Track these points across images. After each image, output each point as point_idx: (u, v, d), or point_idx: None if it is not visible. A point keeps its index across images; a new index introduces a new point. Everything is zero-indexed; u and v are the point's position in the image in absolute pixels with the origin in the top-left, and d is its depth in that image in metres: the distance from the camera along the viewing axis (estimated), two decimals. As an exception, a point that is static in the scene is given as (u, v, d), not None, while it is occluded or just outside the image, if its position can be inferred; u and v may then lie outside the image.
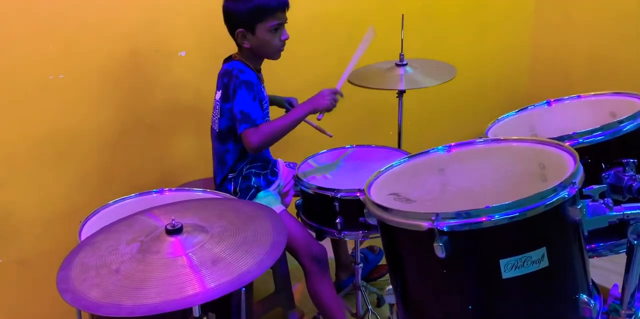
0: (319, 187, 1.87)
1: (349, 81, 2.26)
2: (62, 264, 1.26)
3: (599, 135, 1.35)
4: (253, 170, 2.00)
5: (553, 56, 3.88)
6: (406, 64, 2.29)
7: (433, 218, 1.05)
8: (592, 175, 1.20)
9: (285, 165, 2.21)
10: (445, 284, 1.15)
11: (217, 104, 1.94)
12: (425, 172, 1.38)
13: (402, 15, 2.26)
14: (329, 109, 1.88)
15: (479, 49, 3.61)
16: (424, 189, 1.27)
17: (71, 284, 1.19)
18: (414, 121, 2.90)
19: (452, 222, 1.05)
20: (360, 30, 2.91)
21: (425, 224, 1.06)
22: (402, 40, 2.27)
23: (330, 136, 2.06)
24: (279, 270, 2.12)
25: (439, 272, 1.11)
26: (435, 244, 1.04)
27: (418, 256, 1.17)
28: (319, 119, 1.90)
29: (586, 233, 1.16)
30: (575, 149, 1.26)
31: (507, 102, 3.98)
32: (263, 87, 1.99)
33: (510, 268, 1.05)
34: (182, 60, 2.35)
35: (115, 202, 1.78)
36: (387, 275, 2.51)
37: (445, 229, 1.05)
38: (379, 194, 1.27)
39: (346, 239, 1.97)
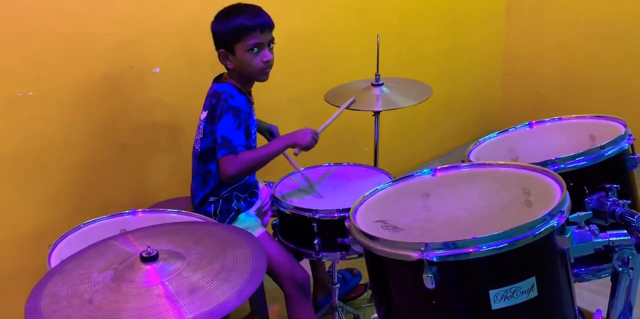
0: (297, 208, 1.85)
1: (326, 100, 2.25)
2: (31, 293, 1.20)
3: (581, 160, 1.36)
4: (235, 192, 1.96)
5: (524, 72, 3.96)
6: (382, 84, 2.27)
7: (422, 248, 1.02)
8: (574, 199, 1.19)
9: (265, 184, 2.17)
10: (434, 315, 1.12)
11: (202, 124, 1.90)
12: (411, 197, 1.36)
13: (378, 35, 2.26)
14: (307, 148, 1.87)
15: (452, 65, 3.65)
16: (410, 216, 1.24)
17: (41, 316, 1.13)
18: (388, 137, 2.89)
19: (441, 252, 1.03)
20: (337, 50, 2.92)
21: (414, 255, 1.03)
22: (377, 60, 2.26)
23: (299, 170, 2.07)
24: (255, 291, 2.06)
25: (427, 303, 1.09)
26: (424, 275, 1.01)
27: (405, 286, 1.14)
28: (296, 154, 1.89)
29: (572, 260, 1.16)
30: (557, 173, 1.26)
31: (479, 117, 4.03)
32: (253, 110, 1.96)
33: (500, 298, 1.03)
34: (156, 77, 2.30)
35: (86, 224, 1.71)
36: (364, 294, 2.50)
37: (435, 259, 1.02)
38: (364, 221, 1.24)
39: (324, 260, 1.93)
